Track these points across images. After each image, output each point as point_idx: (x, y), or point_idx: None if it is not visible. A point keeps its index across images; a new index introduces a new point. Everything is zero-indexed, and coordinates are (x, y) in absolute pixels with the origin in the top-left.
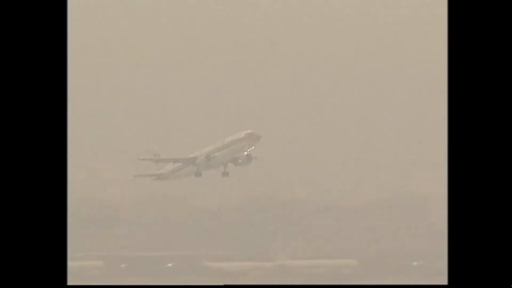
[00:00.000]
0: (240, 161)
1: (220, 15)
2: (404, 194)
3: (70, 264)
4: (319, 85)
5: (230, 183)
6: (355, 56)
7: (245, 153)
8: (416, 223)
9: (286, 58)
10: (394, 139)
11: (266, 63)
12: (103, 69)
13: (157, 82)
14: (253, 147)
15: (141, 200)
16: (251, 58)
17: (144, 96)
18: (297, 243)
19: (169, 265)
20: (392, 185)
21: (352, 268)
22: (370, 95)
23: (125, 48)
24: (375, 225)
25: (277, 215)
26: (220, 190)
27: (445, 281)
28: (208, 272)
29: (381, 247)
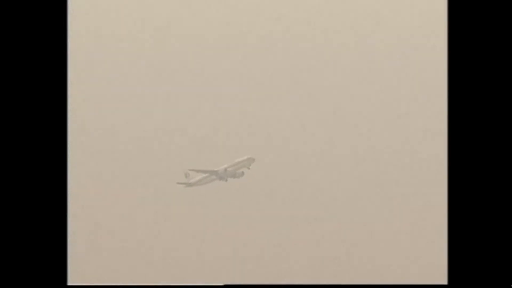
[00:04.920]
0: (236, 175)
1: (224, 15)
2: (404, 194)
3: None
4: (317, 85)
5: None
6: (354, 56)
7: (242, 170)
8: (416, 223)
9: (284, 57)
10: (394, 138)
11: (264, 61)
12: (105, 70)
13: (161, 85)
14: (249, 167)
15: (142, 201)
16: (250, 57)
17: (147, 98)
18: (296, 243)
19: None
20: (391, 185)
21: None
22: (369, 95)
23: (127, 49)
24: (374, 225)
25: (277, 214)
26: (221, 195)
27: (445, 281)
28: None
29: (380, 247)
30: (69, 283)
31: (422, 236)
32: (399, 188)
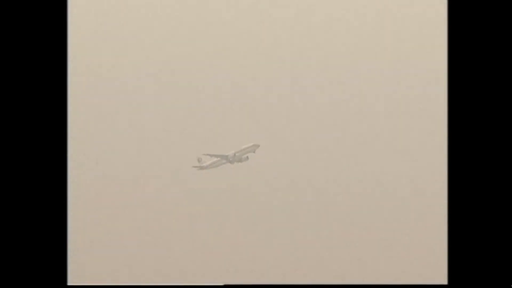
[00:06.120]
0: (242, 160)
1: (224, 15)
2: (404, 194)
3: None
4: (317, 85)
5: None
6: (353, 56)
7: (246, 155)
8: (416, 223)
9: (284, 57)
10: (393, 139)
11: (263, 61)
12: (105, 69)
13: (163, 83)
14: (254, 152)
15: (142, 200)
16: (250, 57)
17: (148, 96)
18: (296, 243)
19: None
20: (391, 185)
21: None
22: (369, 95)
23: (128, 48)
24: (374, 225)
25: (277, 215)
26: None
27: (445, 281)
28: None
29: (380, 247)
30: (69, 283)
31: (422, 236)
32: (399, 188)
